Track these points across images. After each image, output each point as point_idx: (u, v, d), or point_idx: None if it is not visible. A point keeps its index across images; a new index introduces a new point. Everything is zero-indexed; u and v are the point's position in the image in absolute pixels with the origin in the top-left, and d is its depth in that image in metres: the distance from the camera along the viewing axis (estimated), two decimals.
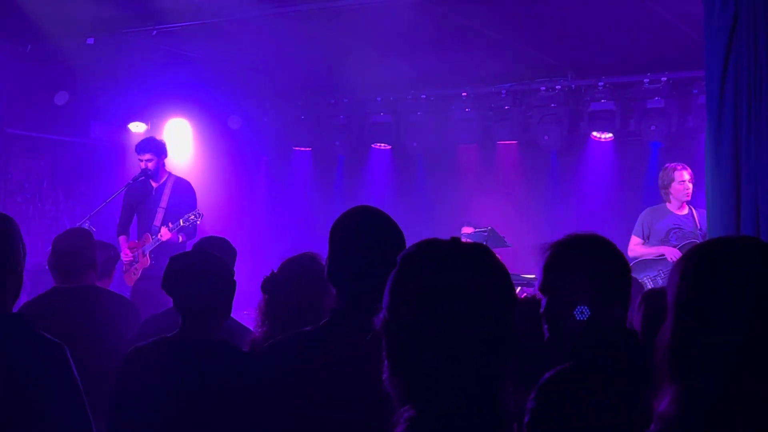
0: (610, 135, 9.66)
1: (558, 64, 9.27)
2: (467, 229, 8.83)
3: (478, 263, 1.70)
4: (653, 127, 9.10)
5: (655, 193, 8.56)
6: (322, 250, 10.02)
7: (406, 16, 7.07)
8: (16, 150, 9.64)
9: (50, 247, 4.95)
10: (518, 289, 7.97)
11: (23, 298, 7.73)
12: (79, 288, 4.63)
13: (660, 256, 7.90)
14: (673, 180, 8.00)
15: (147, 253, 7.98)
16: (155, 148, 8.17)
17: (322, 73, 9.52)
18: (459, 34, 8.02)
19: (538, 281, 2.66)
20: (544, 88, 9.56)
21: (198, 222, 7.93)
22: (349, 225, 2.72)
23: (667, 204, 8.09)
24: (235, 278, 3.42)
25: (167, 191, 8.17)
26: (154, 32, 7.58)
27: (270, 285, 3.52)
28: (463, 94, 10.04)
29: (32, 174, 9.86)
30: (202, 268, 3.28)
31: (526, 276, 8.08)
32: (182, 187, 8.27)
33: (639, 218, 8.20)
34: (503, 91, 9.80)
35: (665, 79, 8.96)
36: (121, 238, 8.30)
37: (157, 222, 8.07)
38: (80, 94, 9.31)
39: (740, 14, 5.44)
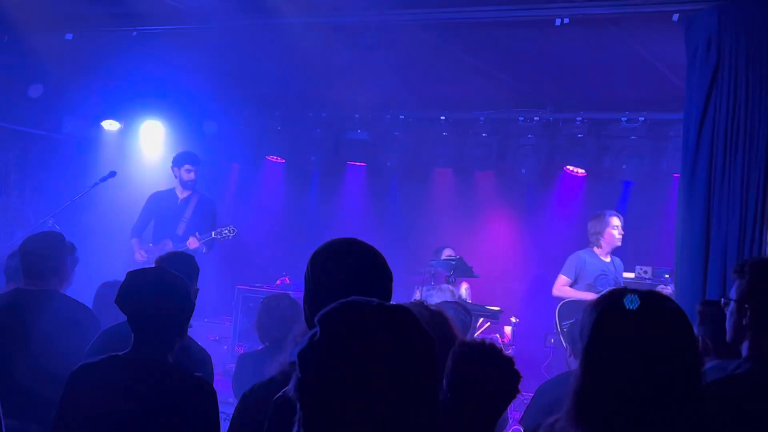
0: (583, 170, 9.71)
1: (538, 96, 9.28)
2: (448, 251, 8.83)
3: (401, 329, 1.60)
4: (626, 166, 9.14)
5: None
6: (292, 259, 9.82)
7: (389, 38, 7.04)
8: None
9: (11, 239, 4.89)
10: (480, 320, 7.96)
11: None
12: (41, 291, 4.57)
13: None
14: (607, 225, 8.16)
15: None
16: (199, 162, 8.84)
17: (301, 86, 9.47)
18: (441, 59, 8.00)
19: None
20: (522, 119, 9.56)
21: (230, 237, 8.47)
22: (331, 254, 2.54)
23: (596, 249, 8.24)
24: (192, 297, 3.34)
25: (192, 204, 8.72)
26: (135, 33, 7.47)
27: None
28: (442, 118, 10.03)
29: None
30: (158, 285, 3.19)
31: (491, 308, 8.06)
32: (207, 203, 8.88)
33: (569, 259, 8.32)
34: (481, 119, 9.80)
35: (643, 119, 9.01)
36: (135, 241, 8.79)
37: (180, 231, 8.62)
38: (55, 89, 9.16)
39: (722, 65, 5.48)
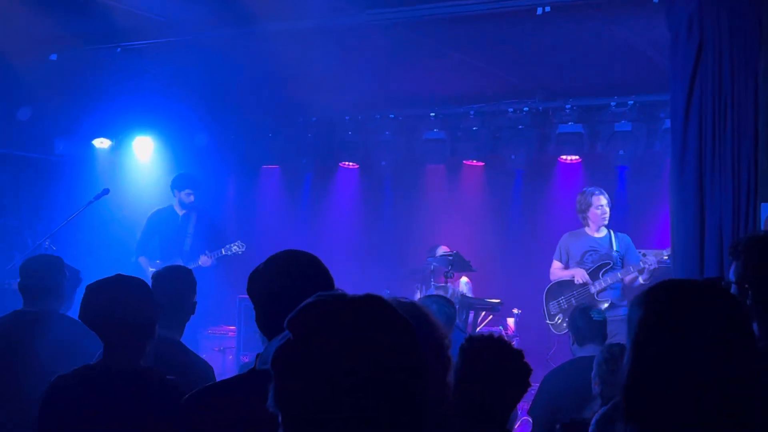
0: (577, 157, 9.70)
1: (526, 86, 9.27)
2: (443, 248, 8.82)
3: (372, 318, 1.54)
4: (620, 150, 9.11)
5: (621, 216, 8.57)
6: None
7: (375, 37, 7.04)
8: None
9: (11, 263, 4.91)
10: (482, 313, 7.95)
11: None
12: (39, 312, 4.58)
13: (571, 277, 7.93)
14: (590, 205, 8.06)
15: None
16: (199, 185, 9.12)
17: (289, 92, 9.46)
18: (427, 56, 8.00)
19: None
20: (512, 110, 9.54)
21: (240, 252, 8.71)
22: (266, 269, 2.57)
23: (585, 228, 8.14)
24: (157, 302, 3.31)
25: (193, 219, 8.99)
26: (119, 49, 7.48)
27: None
28: (432, 114, 10.01)
29: None
30: (118, 295, 3.17)
31: (491, 300, 8.05)
32: (207, 215, 9.21)
33: (558, 243, 8.24)
34: (471, 112, 9.77)
35: (632, 102, 8.98)
36: (143, 259, 8.92)
37: (187, 247, 8.86)
38: (44, 110, 9.17)
39: (705, 44, 5.47)
